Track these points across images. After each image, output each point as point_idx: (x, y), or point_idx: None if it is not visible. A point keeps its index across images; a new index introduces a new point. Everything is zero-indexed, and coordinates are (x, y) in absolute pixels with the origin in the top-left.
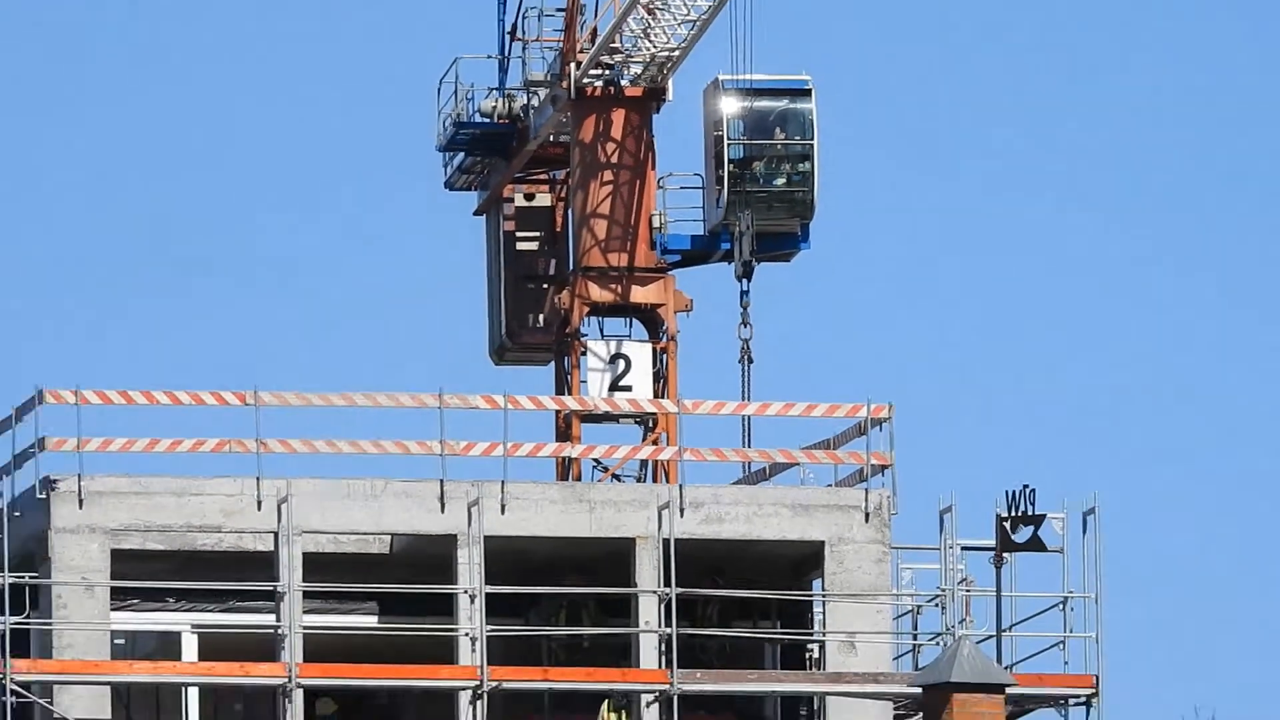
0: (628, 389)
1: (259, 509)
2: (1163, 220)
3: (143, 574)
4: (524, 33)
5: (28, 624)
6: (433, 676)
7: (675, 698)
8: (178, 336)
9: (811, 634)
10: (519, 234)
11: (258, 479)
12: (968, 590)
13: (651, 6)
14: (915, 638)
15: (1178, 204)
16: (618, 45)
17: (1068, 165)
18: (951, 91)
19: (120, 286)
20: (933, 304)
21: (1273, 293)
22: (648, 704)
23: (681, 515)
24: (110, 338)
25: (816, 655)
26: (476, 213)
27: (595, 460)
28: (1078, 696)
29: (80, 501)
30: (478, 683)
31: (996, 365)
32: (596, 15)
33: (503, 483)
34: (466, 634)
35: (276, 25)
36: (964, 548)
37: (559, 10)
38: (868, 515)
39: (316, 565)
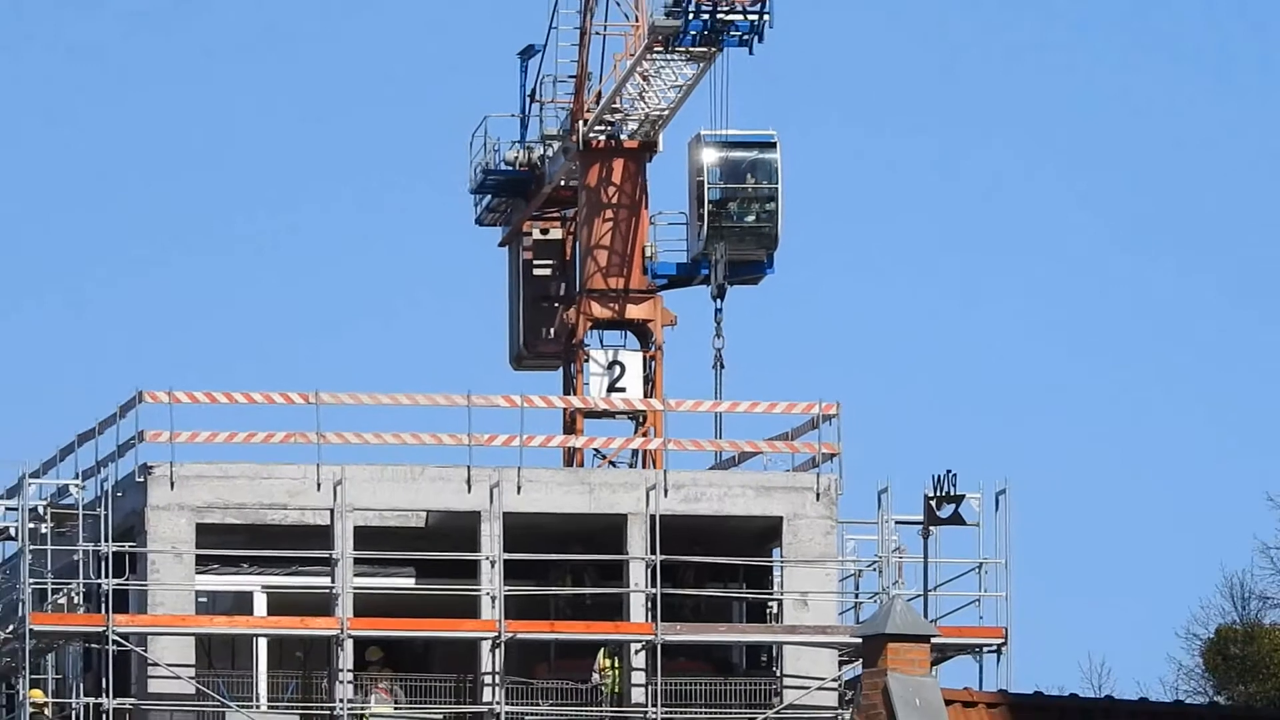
0: (623, 390)
1: (318, 490)
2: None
3: (222, 544)
4: (541, 96)
5: (127, 585)
6: (459, 629)
7: (659, 647)
8: (250, 341)
9: (771, 594)
10: (535, 262)
11: (317, 465)
12: (900, 557)
13: (646, 74)
14: (857, 597)
15: (1083, 218)
16: (618, 106)
17: (991, 198)
18: (890, 143)
19: (201, 299)
20: (876, 320)
21: (1174, 296)
22: (636, 651)
23: (665, 495)
24: (199, 344)
25: (775, 611)
26: (501, 244)
27: (595, 449)
28: (990, 645)
29: (172, 484)
30: (496, 634)
31: (927, 371)
32: (600, 81)
33: (519, 468)
34: (488, 594)
35: (334, 92)
36: (897, 522)
37: (570, 77)
38: (818, 495)
39: (364, 536)
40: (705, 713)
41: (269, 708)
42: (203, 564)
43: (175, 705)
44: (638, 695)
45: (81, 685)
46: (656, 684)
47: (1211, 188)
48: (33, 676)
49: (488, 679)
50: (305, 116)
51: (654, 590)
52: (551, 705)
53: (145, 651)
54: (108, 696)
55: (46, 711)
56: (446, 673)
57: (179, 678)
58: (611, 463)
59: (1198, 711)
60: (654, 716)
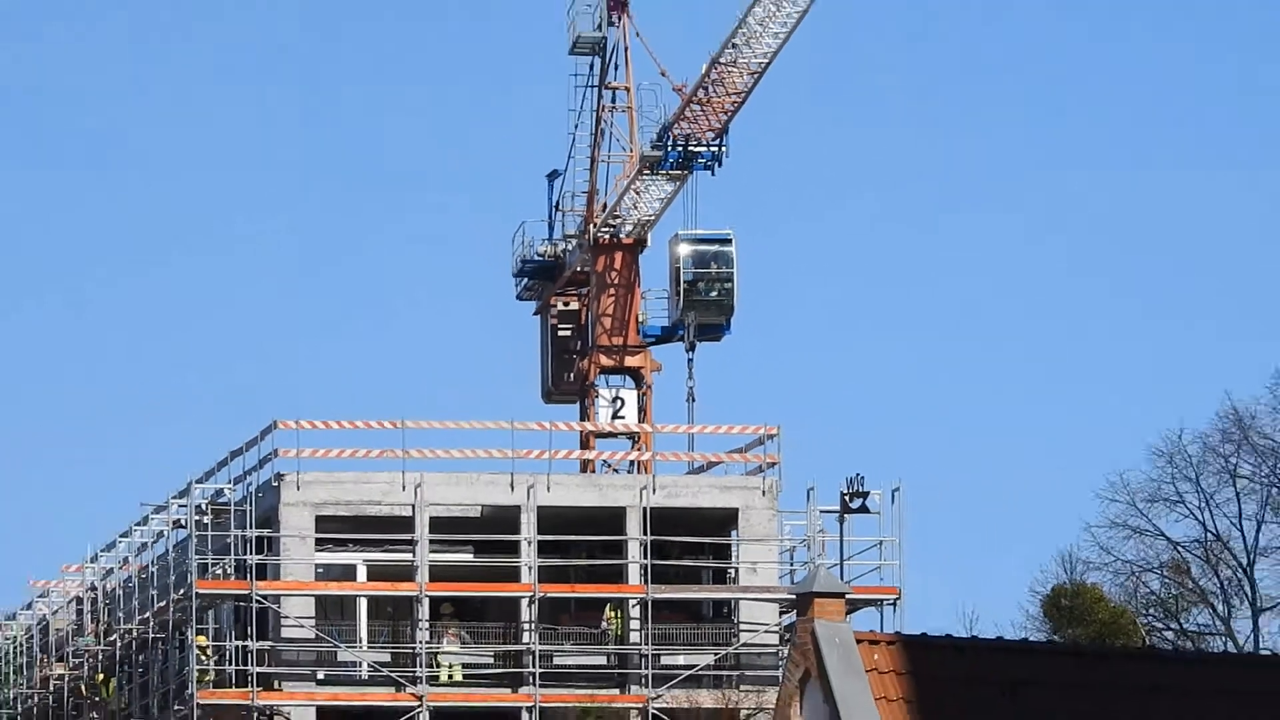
0: (623, 417)
1: (403, 490)
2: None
3: (334, 529)
4: (563, 206)
5: (266, 560)
6: (506, 590)
7: (649, 602)
8: (359, 377)
9: (730, 563)
10: (559, 326)
11: (403, 472)
12: (823, 537)
13: (638, 190)
14: (792, 565)
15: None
16: (618, 213)
17: (888, 281)
18: (816, 238)
19: (322, 354)
20: (805, 366)
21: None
22: (633, 605)
23: (654, 493)
24: (319, 379)
25: (733, 576)
26: (535, 313)
27: (604, 460)
28: (888, 600)
29: (298, 486)
30: (532, 593)
31: (843, 402)
32: (605, 195)
33: (548, 474)
34: (526, 564)
35: (414, 213)
36: (821, 511)
37: (583, 193)
38: (764, 492)
39: (437, 524)
40: (683, 649)
41: (368, 648)
42: (320, 545)
43: (300, 647)
44: (634, 637)
45: (233, 632)
46: (648, 629)
47: (1084, 231)
48: (197, 627)
49: (526, 626)
50: (395, 235)
51: (646, 561)
52: (572, 645)
53: (279, 608)
54: (252, 640)
55: (208, 652)
56: (496, 622)
57: (303, 626)
58: (615, 469)
59: (1039, 647)
60: (646, 653)
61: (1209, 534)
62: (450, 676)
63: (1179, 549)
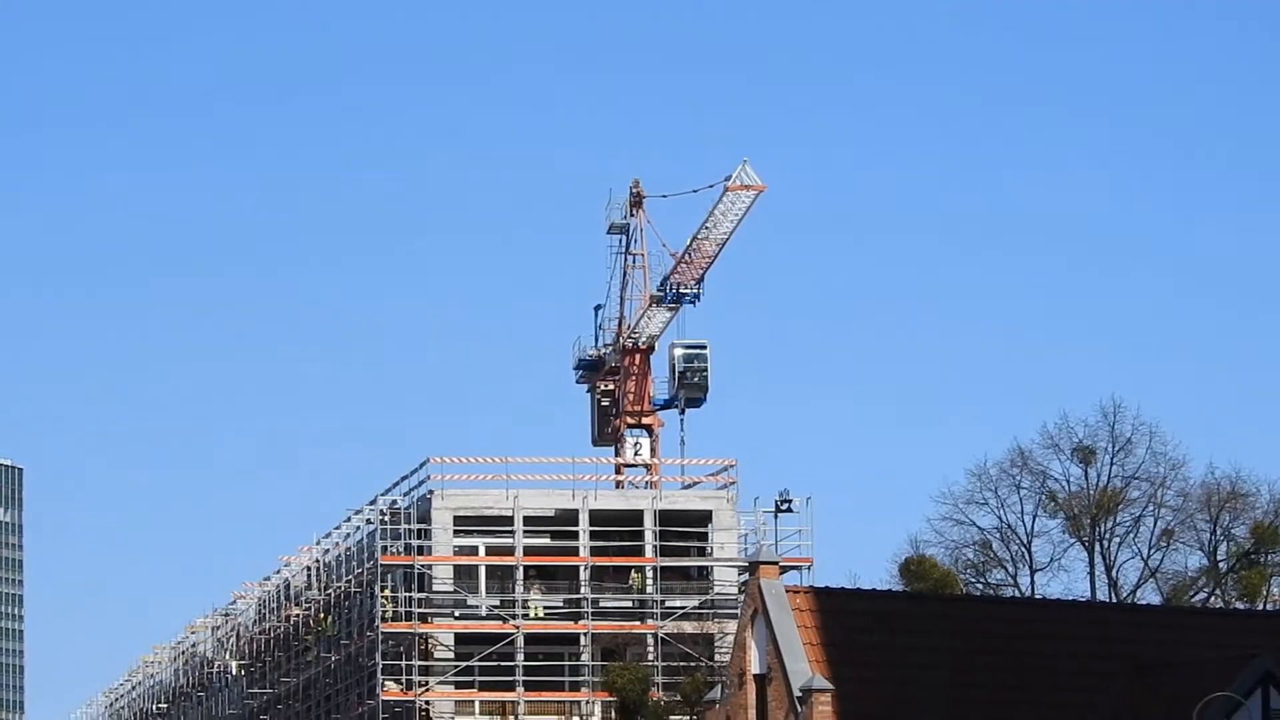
0: (640, 454)
1: (506, 500)
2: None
3: (464, 524)
4: (603, 327)
5: (422, 543)
6: (570, 560)
7: (659, 567)
8: (474, 435)
9: (707, 544)
10: (601, 399)
11: (506, 489)
12: (764, 527)
13: (649, 316)
14: (745, 544)
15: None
16: (636, 330)
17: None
18: (759, 343)
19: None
20: (753, 422)
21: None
22: (648, 570)
23: (660, 500)
24: (455, 432)
25: (710, 551)
26: (587, 392)
27: (629, 481)
28: (804, 565)
29: (442, 497)
30: (586, 562)
31: (775, 443)
32: (629, 319)
33: (596, 489)
34: (582, 544)
35: (507, 340)
36: (763, 511)
37: (616, 318)
38: (728, 500)
39: (528, 520)
40: (679, 596)
41: (485, 596)
42: (456, 534)
43: (444, 596)
44: (649, 589)
45: (402, 587)
46: (658, 584)
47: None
48: (380, 584)
49: (582, 582)
50: (503, 346)
51: (656, 542)
52: (611, 594)
53: (431, 572)
54: (415, 592)
55: (389, 601)
56: (564, 579)
57: (446, 583)
58: (636, 486)
59: (898, 594)
60: (656, 599)
61: (1003, 523)
62: (536, 614)
63: (985, 533)
